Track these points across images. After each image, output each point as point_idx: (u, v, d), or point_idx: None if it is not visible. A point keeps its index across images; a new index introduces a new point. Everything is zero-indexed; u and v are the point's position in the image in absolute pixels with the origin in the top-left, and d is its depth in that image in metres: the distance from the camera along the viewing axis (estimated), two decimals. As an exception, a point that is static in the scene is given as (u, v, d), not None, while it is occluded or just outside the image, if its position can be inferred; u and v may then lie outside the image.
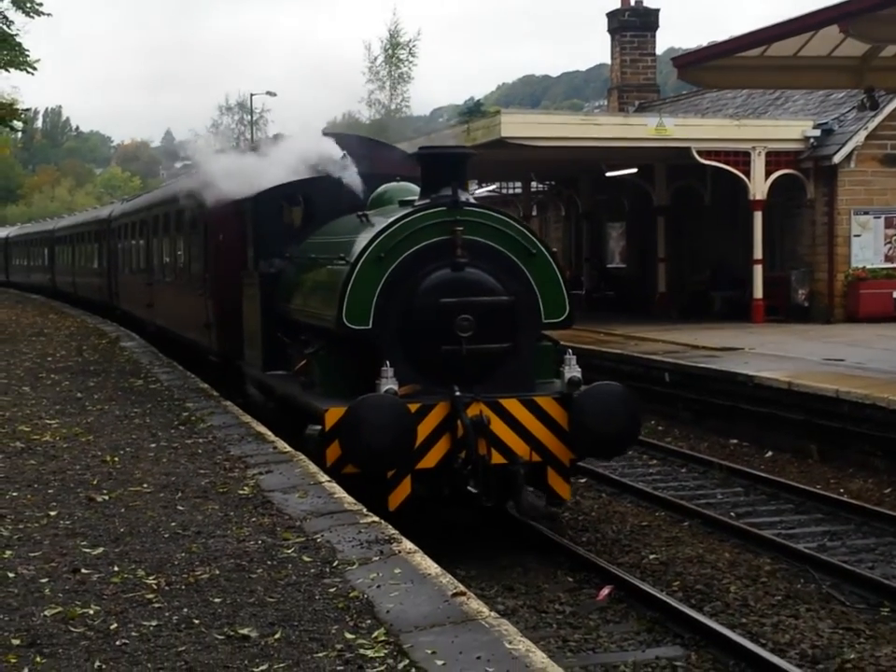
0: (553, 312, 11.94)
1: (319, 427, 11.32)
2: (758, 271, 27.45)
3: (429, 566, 7.21)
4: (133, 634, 6.27)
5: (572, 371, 11.47)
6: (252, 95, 61.73)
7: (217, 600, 6.77)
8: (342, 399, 11.47)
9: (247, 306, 15.63)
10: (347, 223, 13.54)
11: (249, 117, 69.70)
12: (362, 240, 11.89)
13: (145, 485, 10.00)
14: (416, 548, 7.66)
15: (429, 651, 5.72)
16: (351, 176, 15.01)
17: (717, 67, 18.37)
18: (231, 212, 16.47)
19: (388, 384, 11.12)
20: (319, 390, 12.27)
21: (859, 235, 27.25)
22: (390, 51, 55.16)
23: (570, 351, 11.59)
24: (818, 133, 27.08)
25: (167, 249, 22.92)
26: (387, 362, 11.18)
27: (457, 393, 11.18)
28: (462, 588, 6.70)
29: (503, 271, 11.76)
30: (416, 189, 13.63)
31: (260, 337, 14.80)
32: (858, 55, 18.00)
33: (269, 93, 50.54)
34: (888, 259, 27.55)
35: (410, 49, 54.53)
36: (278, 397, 13.81)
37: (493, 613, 6.24)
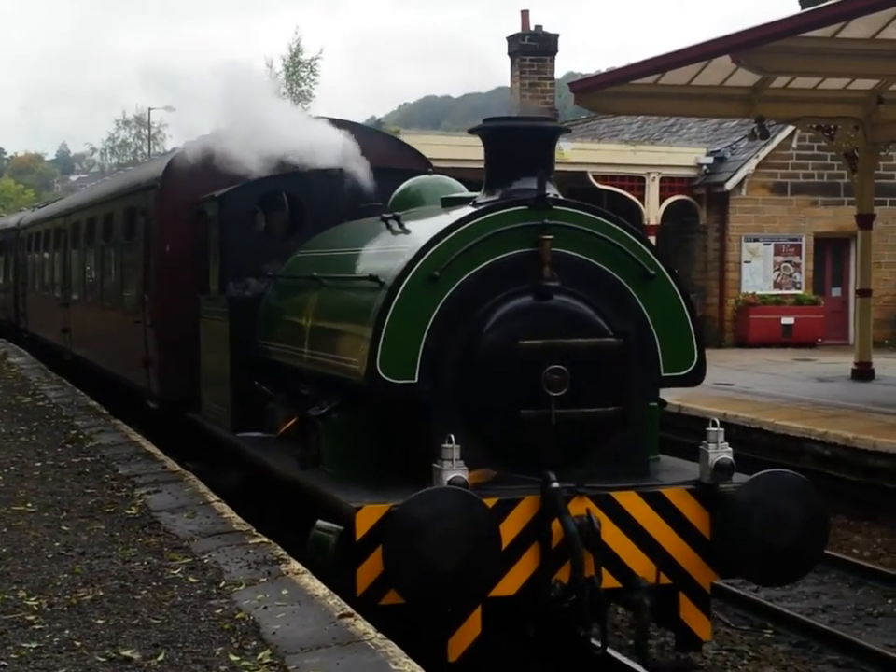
0: (675, 360, 8.26)
1: (337, 530, 7.56)
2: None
3: (317, 586, 7.18)
4: (13, 656, 6.17)
5: (719, 450, 7.75)
6: (150, 109, 59.18)
7: (99, 622, 6.70)
8: (364, 486, 7.90)
9: (209, 341, 11.75)
10: (364, 230, 9.77)
11: (147, 131, 67.83)
12: (402, 252, 8.12)
13: (29, 504, 9.86)
14: (304, 569, 7.59)
15: None
16: (355, 169, 11.21)
17: (613, 94, 18.88)
18: (185, 216, 12.61)
19: (454, 469, 7.35)
20: (330, 469, 8.47)
21: (749, 262, 28.71)
22: (291, 69, 53.97)
23: (716, 421, 7.85)
24: (710, 160, 28.34)
25: (92, 262, 18.91)
26: (451, 437, 7.39)
27: (554, 482, 7.43)
28: (349, 609, 6.65)
29: (608, 300, 8.10)
30: (457, 184, 9.92)
31: (230, 384, 10.94)
32: (749, 85, 18.60)
33: (168, 108, 47.71)
34: (776, 285, 28.86)
35: (311, 68, 53.03)
36: (256, 470, 9.95)
37: (379, 634, 6.19)
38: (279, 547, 8.15)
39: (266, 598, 6.94)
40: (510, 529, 7.41)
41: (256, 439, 10.55)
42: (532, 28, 36.14)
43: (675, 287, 8.26)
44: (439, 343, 7.85)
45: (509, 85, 38.05)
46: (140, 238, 14.65)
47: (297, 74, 53.61)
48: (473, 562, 7.07)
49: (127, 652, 6.18)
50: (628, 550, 7.60)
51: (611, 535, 7.55)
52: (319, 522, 7.86)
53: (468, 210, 8.18)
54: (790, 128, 26.51)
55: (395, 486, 7.76)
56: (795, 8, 21.42)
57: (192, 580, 7.49)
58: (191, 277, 12.66)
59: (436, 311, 7.88)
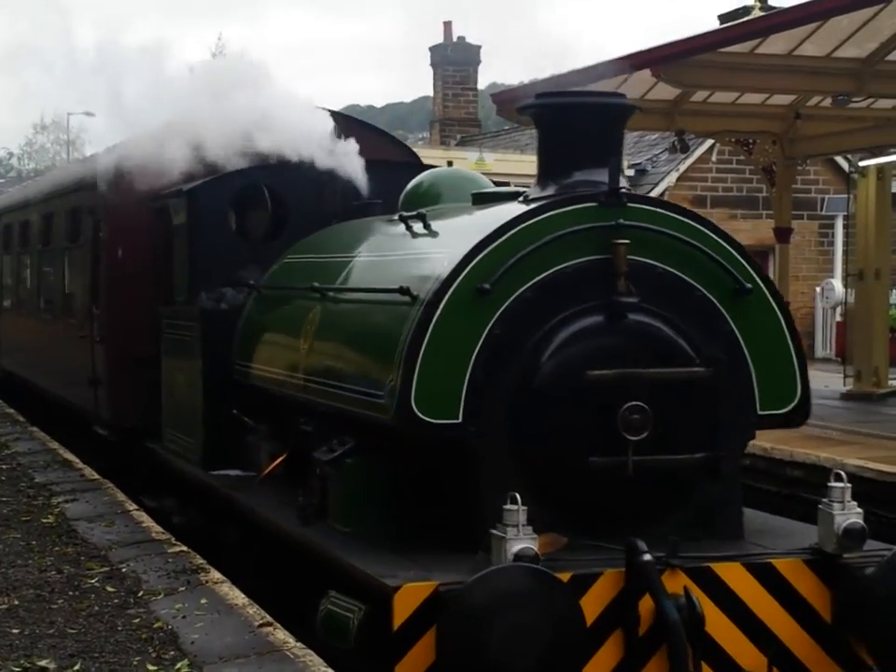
0: (773, 395, 6.70)
1: (359, 608, 5.97)
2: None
3: (237, 596, 7.10)
4: (-75, 668, 6.04)
5: (846, 511, 6.17)
6: (69, 115, 57.58)
7: (14, 631, 6.59)
8: (392, 553, 6.35)
9: (174, 360, 10.03)
10: (372, 232, 8.16)
11: (66, 136, 66.77)
12: (438, 259, 6.50)
13: (-58, 515, 9.58)
14: (224, 578, 7.51)
15: None
16: (347, 162, 9.55)
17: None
18: (142, 214, 10.89)
19: (521, 539, 5.72)
20: (342, 526, 6.83)
21: None
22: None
23: (842, 474, 6.28)
24: (632, 172, 27.48)
25: (27, 269, 17.04)
26: (516, 497, 5.76)
27: (645, 553, 5.83)
28: (269, 619, 6.55)
29: (695, 320, 6.53)
30: (481, 177, 8.33)
31: (202, 412, 9.23)
32: (669, 99, 18.68)
33: (87, 114, 45.99)
34: (698, 299, 27.73)
35: None
36: (236, 518, 8.27)
37: (299, 644, 6.11)
38: (198, 556, 8.04)
39: (185, 607, 6.86)
40: (587, 613, 5.79)
41: (233, 478, 8.87)
42: (455, 39, 36.50)
43: (774, 305, 6.69)
44: (488, 373, 6.24)
45: (431, 95, 38.34)
46: (87, 241, 12.88)
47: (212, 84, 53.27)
48: (553, 660, 5.46)
49: (42, 662, 6.07)
50: (733, 638, 6.01)
51: (713, 619, 5.96)
52: (333, 595, 6.25)
53: (520, 208, 6.56)
54: (709, 142, 25.98)
55: (432, 555, 6.18)
56: (715, 23, 21.15)
57: (110, 589, 7.39)
58: (150, 286, 10.96)
59: (485, 333, 6.26)
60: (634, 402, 6.19)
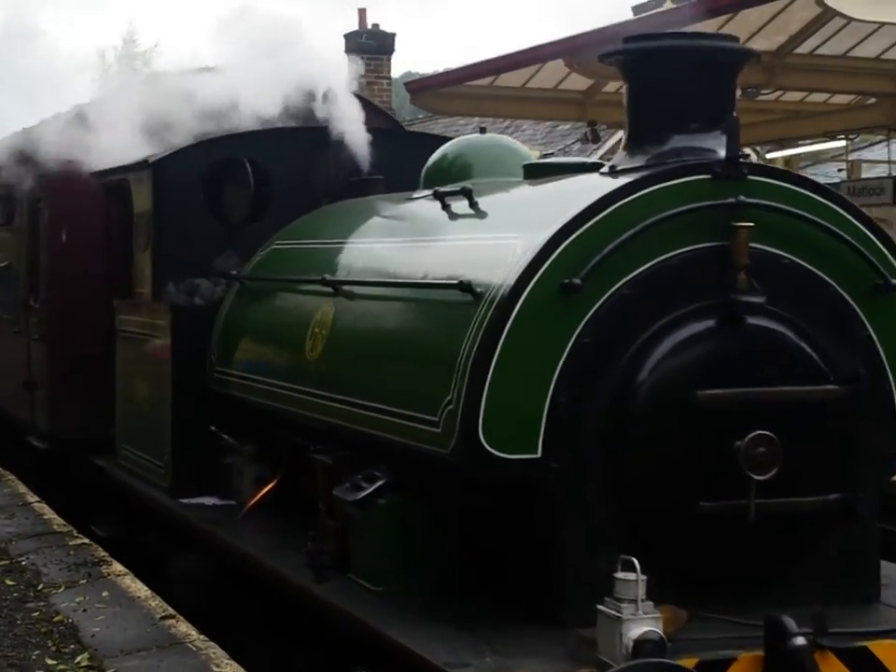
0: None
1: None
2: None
3: (139, 588, 6.97)
4: None
5: None
6: None
7: None
8: (447, 624, 4.96)
9: (133, 364, 8.50)
10: (394, 213, 6.68)
11: None
12: (508, 248, 5.02)
13: None
14: (126, 570, 7.38)
15: None
16: (344, 130, 8.08)
17: (449, 94, 18.94)
18: (90, 193, 9.34)
19: (642, 618, 4.30)
20: (371, 584, 5.39)
21: None
22: (125, 60, 53.52)
23: None
24: None
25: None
26: (633, 563, 4.34)
27: (797, 636, 4.44)
28: (172, 611, 6.44)
29: (826, 325, 5.13)
30: (520, 146, 6.91)
31: (171, 428, 7.70)
32: (582, 89, 18.71)
33: None
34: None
35: (145, 59, 50.36)
36: (226, 564, 6.79)
37: (201, 636, 6.03)
38: (100, 548, 7.92)
39: (86, 601, 6.75)
40: (719, 709, 4.40)
41: (209, 509, 7.38)
42: (369, 26, 33.71)
43: (919, 305, 5.32)
44: (574, 393, 4.82)
45: (345, 82, 37.89)
46: (22, 224, 11.27)
47: (131, 65, 52.20)
48: None
49: None
50: (898, 741, 4.64)
51: (875, 717, 4.59)
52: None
53: (609, 182, 5.13)
54: (621, 132, 25.45)
55: (494, 627, 4.83)
56: (627, 14, 21.52)
57: (9, 582, 7.27)
58: (101, 275, 9.41)
59: (571, 342, 4.83)
60: (760, 432, 4.79)
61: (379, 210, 6.99)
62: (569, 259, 4.82)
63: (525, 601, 4.97)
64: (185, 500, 7.56)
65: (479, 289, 4.92)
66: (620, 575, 4.33)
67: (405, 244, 6.03)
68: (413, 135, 8.78)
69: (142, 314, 8.25)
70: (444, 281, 5.15)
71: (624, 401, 4.86)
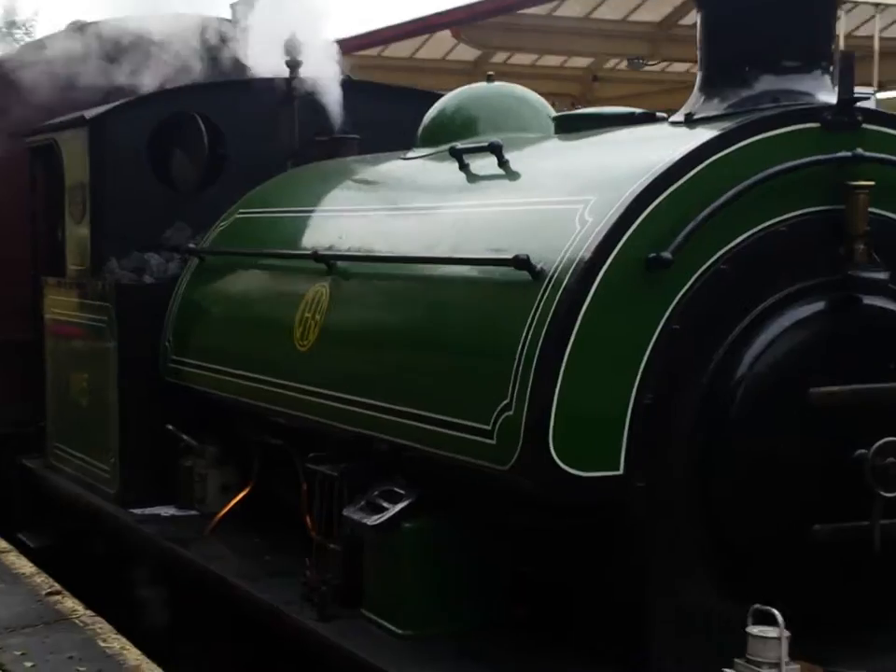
0: None
1: None
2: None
3: (24, 564, 6.83)
4: None
5: None
6: None
7: None
8: None
9: (68, 352, 7.39)
10: (403, 176, 5.67)
11: None
12: (571, 214, 4.04)
13: None
14: (10, 546, 7.22)
15: (19, 653, 5.43)
16: (314, 81, 7.06)
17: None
18: (11, 154, 8.21)
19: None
20: (395, 626, 4.39)
21: None
22: (4, 30, 52.16)
23: None
24: None
25: None
26: (776, 616, 3.42)
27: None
28: (58, 587, 6.32)
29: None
30: (537, 97, 5.92)
31: (118, 428, 6.63)
32: (470, 60, 19.17)
33: None
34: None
35: (26, 28, 50.81)
36: (195, 590, 5.76)
37: (88, 612, 5.92)
38: None
39: None
40: None
41: (167, 521, 6.34)
42: None
43: None
44: (662, 394, 3.87)
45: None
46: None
47: (11, 34, 51.39)
48: None
49: None
50: None
51: None
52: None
53: (692, 134, 4.18)
54: None
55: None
56: None
57: None
58: (24, 251, 8.27)
59: (657, 330, 3.88)
60: (890, 439, 3.90)
61: (368, 173, 5.99)
62: (655, 228, 3.88)
63: (594, 643, 4.04)
64: (137, 511, 6.50)
65: (540, 266, 3.94)
66: (755, 630, 3.41)
67: (418, 211, 5.02)
68: (392, 90, 7.73)
69: (78, 294, 7.14)
70: (490, 255, 4.16)
71: (719, 403, 3.94)
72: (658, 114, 4.94)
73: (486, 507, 4.30)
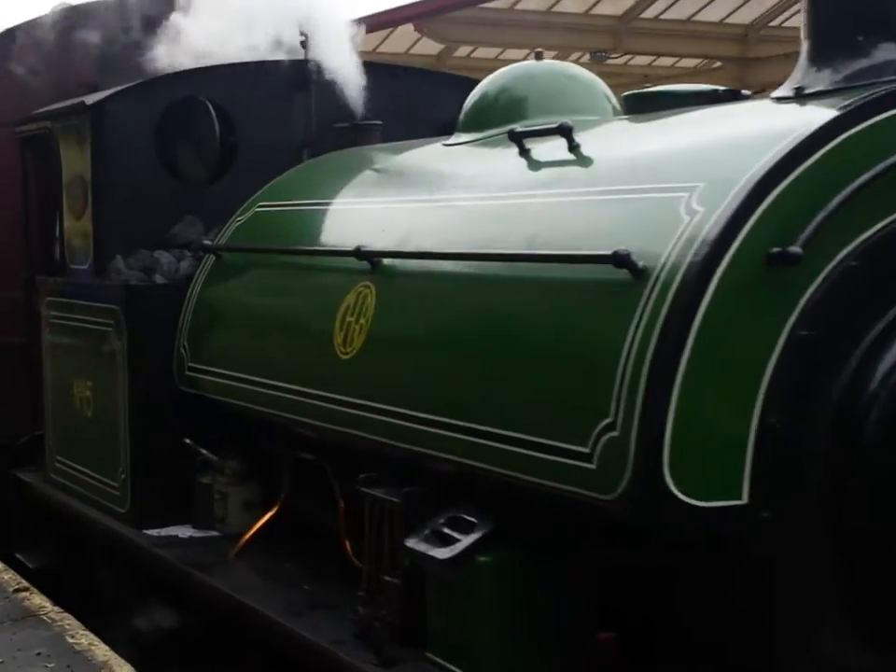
0: None
1: None
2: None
3: None
4: None
5: None
6: None
7: None
8: None
9: (70, 358, 6.83)
10: (447, 164, 5.13)
11: None
12: (676, 202, 3.51)
13: None
14: None
15: None
16: (332, 62, 6.53)
17: None
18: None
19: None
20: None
21: None
22: None
23: None
24: None
25: None
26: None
27: None
28: (25, 584, 6.31)
29: None
30: (594, 77, 5.39)
31: (130, 441, 6.08)
32: (433, 54, 19.20)
33: None
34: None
35: None
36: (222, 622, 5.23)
37: (56, 608, 5.91)
38: None
39: None
40: None
41: (184, 543, 5.80)
42: None
43: None
44: (789, 411, 3.36)
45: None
46: None
47: None
48: None
49: None
50: None
51: None
52: None
53: (817, 112, 3.67)
54: None
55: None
56: None
57: None
58: (15, 249, 7.71)
59: (783, 337, 3.36)
60: None
61: (404, 161, 5.45)
62: (779, 218, 3.37)
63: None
64: (151, 532, 5.96)
65: (642, 263, 3.42)
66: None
67: (472, 203, 4.49)
68: (419, 73, 7.20)
69: (81, 295, 6.58)
70: (581, 252, 3.63)
71: (853, 421, 3.42)
72: (743, 92, 4.43)
73: (575, 538, 3.78)
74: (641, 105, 4.54)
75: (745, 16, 23.89)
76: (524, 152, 4.47)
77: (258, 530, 5.57)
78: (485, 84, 5.41)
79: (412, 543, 4.03)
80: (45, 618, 5.81)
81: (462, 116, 5.36)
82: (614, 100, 5.18)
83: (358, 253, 4.68)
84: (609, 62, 19.90)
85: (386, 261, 4.64)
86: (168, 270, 6.23)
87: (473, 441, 3.91)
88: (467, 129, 5.26)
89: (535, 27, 18.36)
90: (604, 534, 3.62)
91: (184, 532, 5.95)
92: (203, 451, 5.86)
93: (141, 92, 6.50)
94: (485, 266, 4.05)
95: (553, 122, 4.41)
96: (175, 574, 5.54)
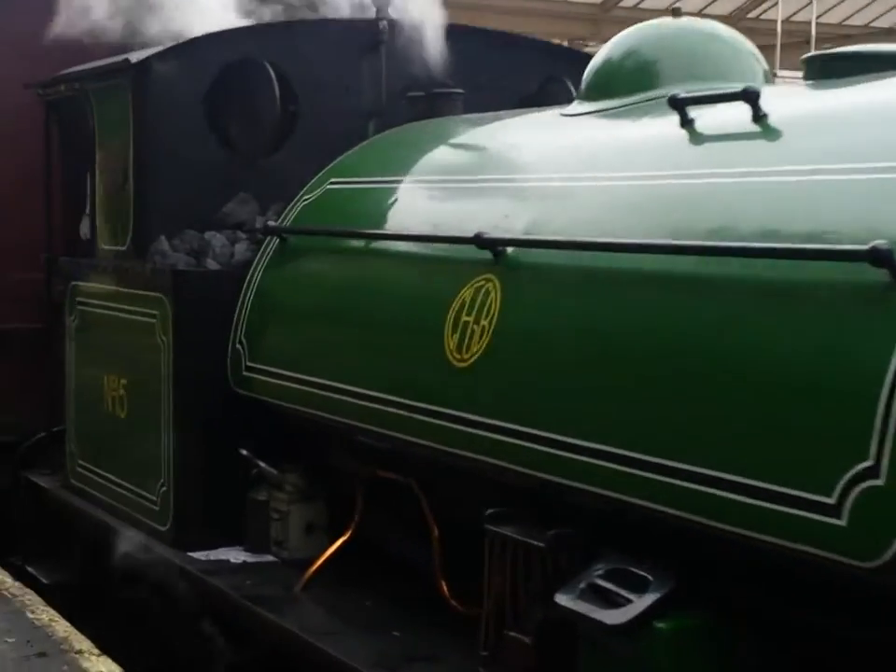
0: None
1: None
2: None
3: None
4: None
5: None
6: None
7: None
8: None
9: (94, 349, 6.04)
10: (592, 140, 4.34)
11: None
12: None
13: None
14: None
15: None
16: (408, 23, 5.76)
17: None
18: (23, 109, 6.88)
19: None
20: None
21: None
22: None
23: None
24: None
25: None
26: None
27: None
28: None
29: None
30: (737, 36, 4.62)
31: (175, 452, 5.28)
32: None
33: None
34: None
35: None
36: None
37: (17, 584, 5.89)
38: None
39: None
40: None
41: (241, 571, 5.02)
42: None
43: None
44: None
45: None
46: None
47: None
48: None
49: None
50: None
51: None
52: None
53: None
54: None
55: None
56: None
57: None
58: (32, 223, 6.93)
59: None
60: None
61: (519, 134, 4.66)
62: None
63: None
64: (197, 555, 5.18)
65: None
66: None
67: (633, 182, 3.70)
68: (498, 36, 6.42)
69: (116, 280, 5.78)
70: (823, 247, 2.86)
71: None
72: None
73: (787, 604, 3.01)
74: (831, 69, 3.77)
75: (726, 6, 23.48)
76: (687, 122, 3.70)
77: (328, 559, 4.79)
78: (608, 48, 4.62)
79: (564, 600, 3.26)
80: (6, 594, 5.74)
81: (584, 84, 4.58)
82: (764, 63, 4.43)
83: (480, 240, 3.90)
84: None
85: (514, 251, 3.86)
86: (221, 254, 5.44)
87: (648, 476, 3.15)
88: (590, 97, 4.49)
89: (516, 14, 18.49)
90: (841, 604, 2.85)
91: (235, 556, 5.18)
92: (262, 464, 5.08)
93: (191, 52, 5.69)
94: (667, 262, 3.27)
95: (705, 89, 3.66)
96: (232, 608, 4.76)
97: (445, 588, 4.27)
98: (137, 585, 5.53)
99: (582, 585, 3.26)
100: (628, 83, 4.40)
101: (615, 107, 4.30)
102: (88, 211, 6.34)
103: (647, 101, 4.19)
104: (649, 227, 3.47)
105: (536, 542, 3.45)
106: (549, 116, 4.61)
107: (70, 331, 6.29)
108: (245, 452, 5.10)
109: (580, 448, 3.38)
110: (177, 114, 5.66)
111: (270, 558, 5.13)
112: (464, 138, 4.89)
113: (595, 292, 3.51)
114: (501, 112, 5.07)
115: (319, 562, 4.77)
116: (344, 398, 4.52)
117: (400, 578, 4.61)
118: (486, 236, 3.89)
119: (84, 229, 6.59)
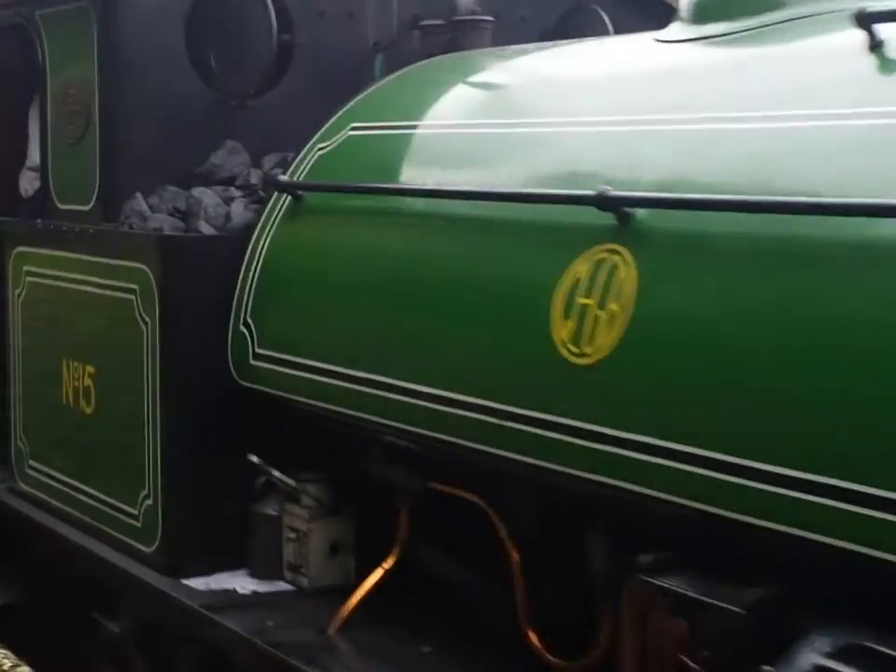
0: None
1: None
2: None
3: None
4: None
5: None
6: None
7: None
8: None
9: (49, 330, 5.03)
10: (756, 72, 3.42)
11: None
12: None
13: None
14: None
15: None
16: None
17: None
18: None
19: None
20: None
21: None
22: None
23: None
24: None
25: None
26: None
27: None
28: None
29: None
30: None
31: (158, 452, 4.32)
32: None
33: None
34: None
35: None
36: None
37: None
38: None
39: None
40: None
41: (251, 605, 4.11)
42: None
43: None
44: None
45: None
46: None
47: None
48: None
49: None
50: None
51: None
52: None
53: None
54: None
55: None
56: None
57: None
58: None
59: None
60: None
61: (608, 66, 3.75)
62: None
63: None
64: (192, 583, 4.24)
65: None
66: None
67: (821, 121, 2.82)
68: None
69: (80, 247, 4.78)
70: None
71: None
72: None
73: None
74: None
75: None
76: (876, 46, 2.84)
77: (366, 591, 3.89)
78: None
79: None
80: None
81: (690, 3, 3.69)
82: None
83: (602, 199, 3.00)
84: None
85: (646, 213, 2.97)
86: (215, 215, 4.47)
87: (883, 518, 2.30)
88: (698, 20, 3.60)
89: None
90: None
91: (242, 585, 4.25)
92: (276, 472, 4.15)
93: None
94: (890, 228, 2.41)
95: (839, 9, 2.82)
96: (246, 656, 3.84)
97: (535, 639, 3.40)
98: (111, 618, 4.59)
99: (807, 667, 2.40)
100: (740, 5, 3.53)
101: (746, 29, 3.41)
102: (30, 164, 5.32)
103: (790, 20, 3.31)
104: (856, 182, 2.60)
105: (734, 608, 2.57)
106: (640, 44, 3.71)
107: (15, 306, 5.28)
108: (255, 459, 4.16)
109: (781, 479, 2.52)
110: (152, 47, 4.66)
111: (284, 586, 4.22)
112: (533, 72, 3.97)
113: (782, 269, 2.63)
114: (564, 42, 4.18)
115: (359, 595, 3.87)
116: (393, 395, 3.63)
117: (455, 611, 3.73)
118: (611, 194, 2.99)
119: (25, 184, 5.59)
